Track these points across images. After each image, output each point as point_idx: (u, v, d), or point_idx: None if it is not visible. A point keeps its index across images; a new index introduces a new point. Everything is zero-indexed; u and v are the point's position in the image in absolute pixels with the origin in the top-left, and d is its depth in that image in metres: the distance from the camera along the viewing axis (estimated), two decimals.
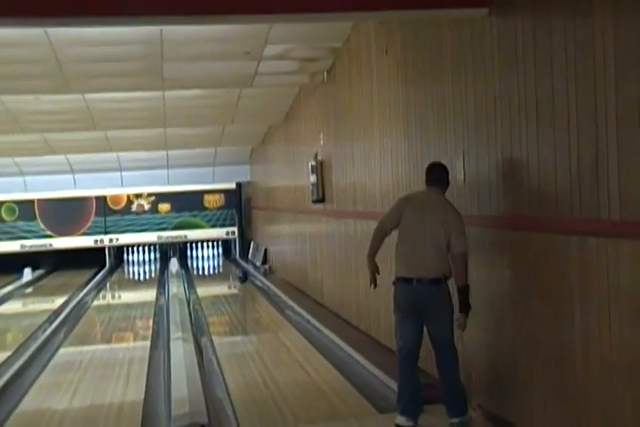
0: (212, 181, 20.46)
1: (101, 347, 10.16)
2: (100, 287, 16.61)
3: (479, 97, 5.51)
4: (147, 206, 20.30)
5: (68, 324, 11.49)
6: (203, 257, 21.37)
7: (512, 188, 5.04)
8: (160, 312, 12.12)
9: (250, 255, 19.42)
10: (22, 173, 19.42)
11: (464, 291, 5.27)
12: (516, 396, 5.14)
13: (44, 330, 10.85)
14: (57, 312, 12.59)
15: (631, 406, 3.87)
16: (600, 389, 4.13)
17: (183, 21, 5.83)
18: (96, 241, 20.03)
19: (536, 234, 4.75)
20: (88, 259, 19.99)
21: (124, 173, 19.95)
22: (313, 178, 11.24)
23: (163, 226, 20.30)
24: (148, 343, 9.62)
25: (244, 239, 20.72)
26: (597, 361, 4.12)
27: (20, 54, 8.91)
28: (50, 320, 11.75)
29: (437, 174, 5.57)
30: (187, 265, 19.86)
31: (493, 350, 5.49)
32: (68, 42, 8.55)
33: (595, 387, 4.17)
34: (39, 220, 19.81)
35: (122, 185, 20.11)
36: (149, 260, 21.33)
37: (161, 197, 20.29)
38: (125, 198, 20.25)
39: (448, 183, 5.57)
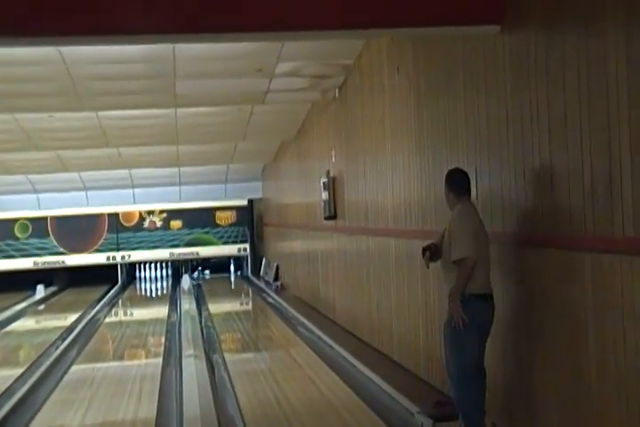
0: (224, 198, 20.49)
1: (114, 364, 10.15)
2: (112, 304, 16.63)
3: (491, 114, 5.52)
4: (159, 223, 20.35)
5: (81, 341, 11.50)
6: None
7: (525, 204, 5.04)
8: (172, 329, 12.13)
9: (262, 272, 19.42)
10: (35, 191, 19.50)
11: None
12: (531, 414, 5.11)
13: (57, 347, 10.86)
14: (69, 329, 12.61)
15: None
16: (616, 406, 4.10)
17: (194, 40, 5.91)
18: (108, 258, 20.08)
19: (550, 251, 4.74)
20: (100, 276, 20.04)
21: (136, 190, 20.00)
22: (325, 195, 11.25)
23: (175, 243, 20.34)
24: (160, 360, 9.60)
25: (256, 256, 20.73)
26: (613, 378, 4.10)
27: (34, 72, 8.98)
28: (62, 337, 11.77)
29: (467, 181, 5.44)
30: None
31: (508, 368, 5.46)
32: (81, 60, 8.62)
33: (610, 405, 4.15)
34: (52, 237, 19.88)
35: (134, 202, 20.17)
36: (161, 276, 21.36)
37: (173, 213, 20.34)
38: (137, 215, 20.30)
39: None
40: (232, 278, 20.95)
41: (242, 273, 21.14)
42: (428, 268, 5.54)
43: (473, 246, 5.08)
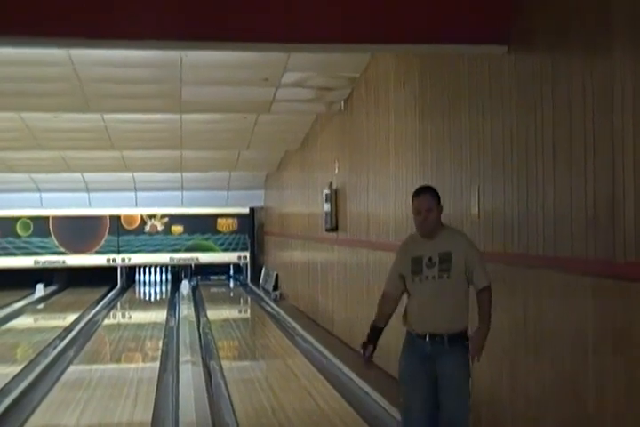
0: (226, 205, 20.52)
1: (111, 366, 10.18)
2: (111, 306, 16.66)
3: (496, 134, 5.54)
4: (160, 227, 20.39)
5: (79, 341, 11.54)
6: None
7: (527, 225, 5.05)
8: (170, 334, 12.16)
9: (261, 281, 19.44)
10: (38, 190, 19.54)
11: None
12: None
13: (55, 347, 10.89)
14: (68, 329, 12.66)
15: None
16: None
17: (201, 47, 5.96)
18: (108, 260, 20.11)
19: (550, 273, 4.76)
20: (100, 277, 20.07)
21: (138, 194, 20.04)
22: (327, 206, 11.27)
23: (175, 247, 20.38)
24: (157, 365, 9.64)
25: (256, 264, 20.75)
26: (612, 403, 4.10)
27: (42, 73, 9.03)
28: (60, 337, 11.81)
29: None
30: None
31: (504, 393, 5.45)
32: (89, 62, 8.67)
33: None
34: (53, 236, 19.92)
35: (136, 205, 20.21)
36: (161, 281, 21.38)
37: (174, 218, 20.38)
38: (139, 219, 20.35)
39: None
40: (231, 284, 20.99)
41: (241, 278, 21.16)
42: (367, 368, 4.98)
43: None
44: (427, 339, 4.59)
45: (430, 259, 4.59)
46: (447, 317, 4.57)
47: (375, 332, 4.86)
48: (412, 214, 4.72)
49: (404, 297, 4.78)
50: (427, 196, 4.70)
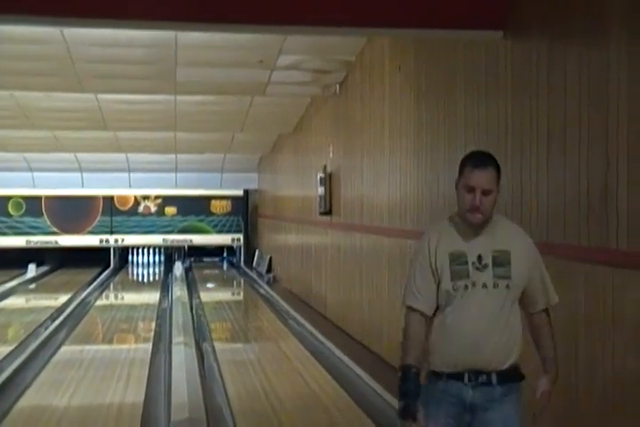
0: (220, 187, 20.50)
1: (103, 347, 10.20)
2: (103, 287, 16.66)
3: (490, 118, 5.54)
4: (153, 209, 20.36)
5: (71, 322, 11.54)
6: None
7: (520, 212, 5.06)
8: (163, 315, 12.16)
9: (254, 263, 19.46)
10: (31, 169, 19.49)
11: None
12: None
13: (46, 327, 10.90)
14: (60, 310, 12.65)
15: None
16: (602, 417, 4.14)
17: (198, 28, 5.93)
18: (101, 241, 20.09)
19: (543, 259, 4.75)
20: (93, 258, 20.06)
21: (132, 175, 20.01)
22: (321, 190, 11.27)
23: (168, 229, 20.36)
24: (149, 346, 9.65)
25: (250, 247, 20.76)
26: (600, 390, 4.13)
27: (34, 51, 8.97)
28: (52, 318, 11.80)
29: None
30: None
31: None
32: (82, 41, 8.62)
33: (597, 416, 4.19)
34: (46, 216, 19.87)
35: (129, 186, 20.17)
36: (154, 262, 21.39)
37: (168, 200, 20.34)
38: (133, 199, 20.31)
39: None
40: (224, 266, 21.01)
41: (234, 260, 21.17)
42: None
43: None
44: (466, 380, 3.18)
45: (480, 258, 3.20)
46: (503, 346, 3.19)
47: (414, 377, 3.19)
48: (458, 190, 3.26)
49: None
50: (490, 170, 3.27)
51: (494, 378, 3.17)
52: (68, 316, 11.95)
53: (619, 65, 3.98)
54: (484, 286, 3.16)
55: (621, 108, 3.96)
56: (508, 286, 3.19)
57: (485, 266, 3.18)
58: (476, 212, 3.18)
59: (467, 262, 3.17)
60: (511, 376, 3.21)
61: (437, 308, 3.22)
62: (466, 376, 3.17)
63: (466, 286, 3.16)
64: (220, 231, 20.53)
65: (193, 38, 8.47)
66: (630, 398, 3.89)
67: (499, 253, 3.21)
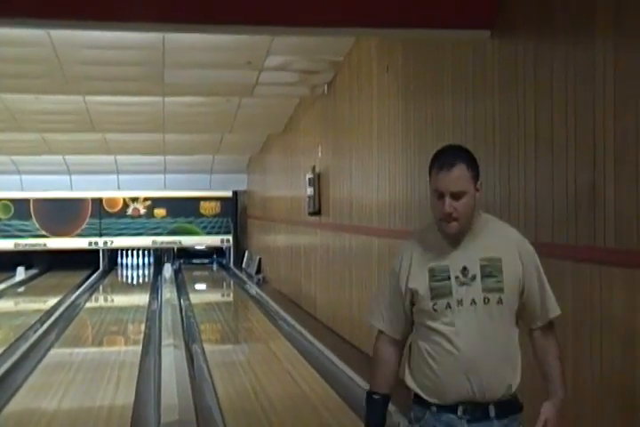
0: (209, 189, 20.49)
1: (92, 350, 10.19)
2: (92, 290, 16.63)
3: (478, 118, 5.56)
4: (142, 211, 20.33)
5: (60, 325, 11.52)
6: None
7: (507, 211, 5.07)
8: (152, 317, 12.15)
9: (244, 264, 19.46)
10: (19, 172, 19.43)
11: None
12: None
13: (36, 330, 10.87)
14: (49, 313, 12.62)
15: None
16: (591, 417, 4.15)
17: (186, 29, 5.90)
18: (90, 243, 20.05)
19: None
20: (82, 260, 20.02)
21: (120, 177, 19.97)
22: (310, 190, 11.27)
23: (158, 231, 20.33)
24: (139, 348, 9.64)
25: (239, 248, 20.75)
26: (588, 389, 4.14)
27: (22, 53, 8.93)
28: (41, 321, 11.77)
29: None
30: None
31: None
32: (70, 43, 8.59)
33: (586, 415, 4.19)
34: (34, 219, 19.82)
35: (118, 188, 20.14)
36: (143, 264, 21.36)
37: (157, 201, 20.32)
38: (121, 202, 20.28)
39: None
40: (214, 267, 20.99)
41: (223, 261, 21.15)
42: None
43: None
44: (459, 412, 2.78)
45: (465, 270, 2.78)
46: (498, 372, 2.80)
47: (377, 405, 2.88)
48: (430, 196, 2.84)
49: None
50: (457, 170, 2.75)
51: (492, 410, 2.78)
52: (58, 319, 11.92)
53: (605, 64, 4.00)
54: (473, 302, 2.75)
55: (608, 106, 3.97)
56: (500, 301, 2.76)
57: (473, 278, 2.76)
58: (450, 220, 2.75)
59: (449, 278, 2.76)
60: (511, 408, 2.83)
61: (411, 331, 2.88)
62: (460, 409, 2.76)
63: (448, 305, 2.75)
64: (209, 233, 20.53)
65: (181, 40, 8.46)
66: (618, 398, 3.91)
67: (488, 262, 2.78)
